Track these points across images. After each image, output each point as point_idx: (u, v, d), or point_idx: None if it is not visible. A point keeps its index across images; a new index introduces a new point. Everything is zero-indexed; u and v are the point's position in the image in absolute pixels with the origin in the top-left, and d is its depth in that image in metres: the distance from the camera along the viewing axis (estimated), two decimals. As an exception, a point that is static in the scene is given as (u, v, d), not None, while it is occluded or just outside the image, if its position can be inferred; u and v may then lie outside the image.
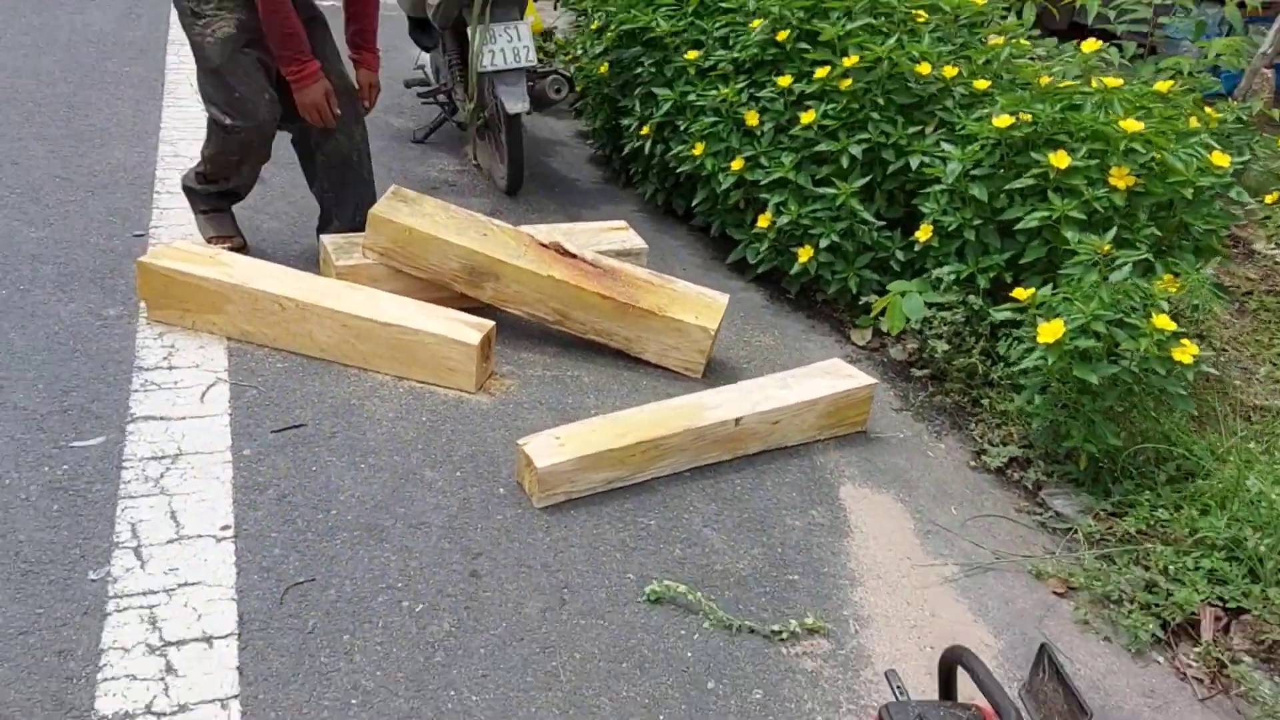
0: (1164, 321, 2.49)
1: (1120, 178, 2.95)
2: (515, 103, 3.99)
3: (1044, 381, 2.69)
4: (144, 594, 2.04)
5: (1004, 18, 3.97)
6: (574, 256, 3.09)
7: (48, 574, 2.05)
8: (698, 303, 3.17)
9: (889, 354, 3.44)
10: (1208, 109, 3.45)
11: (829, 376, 2.96)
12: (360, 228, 3.22)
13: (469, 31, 4.12)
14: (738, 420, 2.71)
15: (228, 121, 3.09)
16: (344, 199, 3.46)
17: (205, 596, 2.05)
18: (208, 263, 2.93)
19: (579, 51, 5.01)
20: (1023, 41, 3.61)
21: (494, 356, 3.03)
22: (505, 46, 4.01)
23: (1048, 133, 3.10)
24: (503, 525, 2.39)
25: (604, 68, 4.58)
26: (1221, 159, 3.04)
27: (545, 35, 5.91)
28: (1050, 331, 2.54)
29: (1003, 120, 3.09)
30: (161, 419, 2.57)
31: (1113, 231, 2.76)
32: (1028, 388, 2.76)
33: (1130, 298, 2.61)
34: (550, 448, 2.48)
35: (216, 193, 3.42)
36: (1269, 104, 4.94)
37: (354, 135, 3.40)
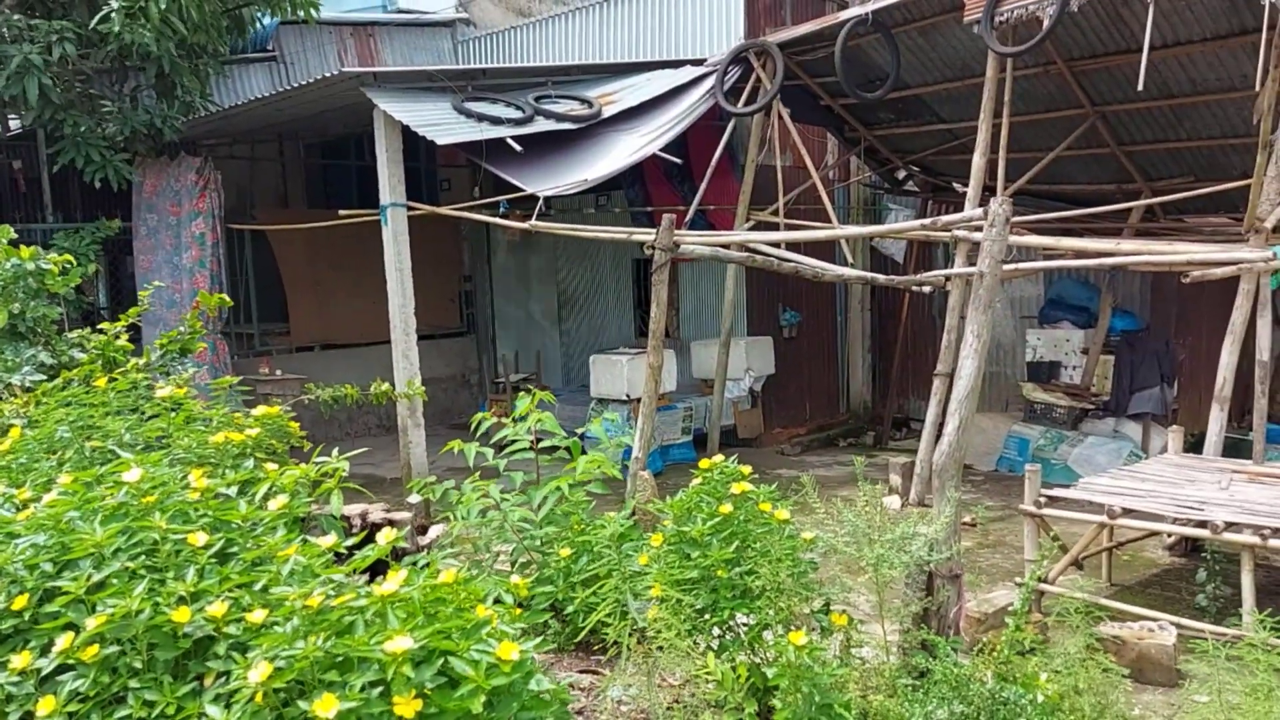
0: None
1: (405, 705, 2.54)
2: None
3: None
4: None
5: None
6: None
7: None
8: None
9: None
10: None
11: None
12: None
13: None
14: None
15: None
16: None
17: None
18: None
19: None
20: (314, 543, 3.23)
21: None
22: None
23: (318, 671, 2.66)
24: None
25: None
26: (508, 649, 2.76)
27: None
28: None
29: (262, 671, 2.58)
30: None
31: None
32: None
33: None
34: None
35: None
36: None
37: None
